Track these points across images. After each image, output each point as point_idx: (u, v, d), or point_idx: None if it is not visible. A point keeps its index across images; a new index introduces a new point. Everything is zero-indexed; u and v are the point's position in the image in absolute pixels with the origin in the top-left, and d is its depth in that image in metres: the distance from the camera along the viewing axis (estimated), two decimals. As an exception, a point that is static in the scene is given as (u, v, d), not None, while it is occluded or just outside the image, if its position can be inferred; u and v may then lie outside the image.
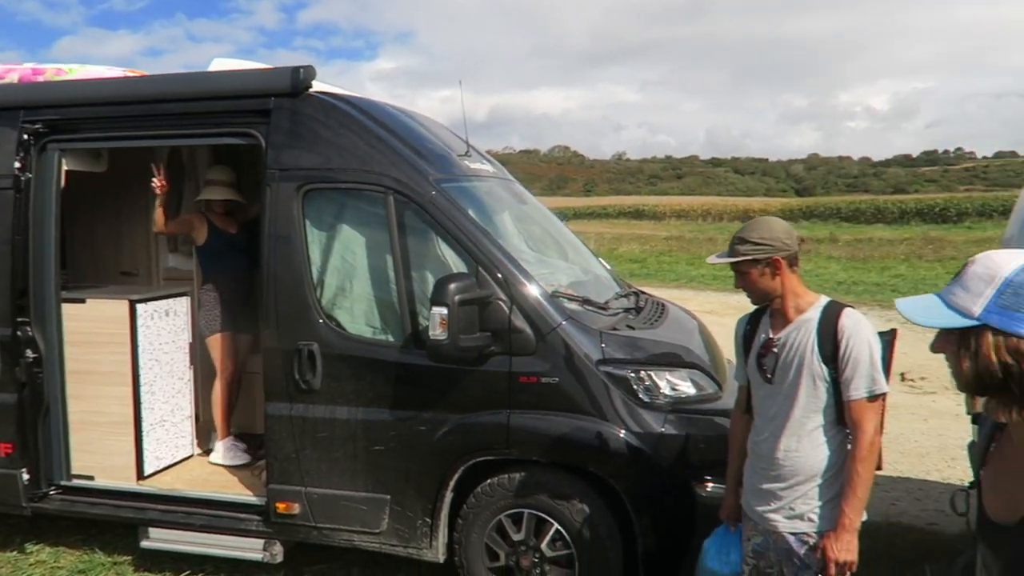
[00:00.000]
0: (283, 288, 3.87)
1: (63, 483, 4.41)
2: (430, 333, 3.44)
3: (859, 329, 2.50)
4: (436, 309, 3.41)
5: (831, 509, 2.56)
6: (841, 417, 2.56)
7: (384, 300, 3.85)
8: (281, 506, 3.97)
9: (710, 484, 3.50)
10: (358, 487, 3.87)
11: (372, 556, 4.29)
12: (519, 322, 3.60)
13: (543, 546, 3.67)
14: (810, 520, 2.60)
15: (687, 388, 3.70)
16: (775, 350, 2.66)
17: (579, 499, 3.61)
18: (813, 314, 2.60)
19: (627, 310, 4.29)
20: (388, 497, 3.84)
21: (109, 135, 4.23)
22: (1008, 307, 1.35)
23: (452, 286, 3.41)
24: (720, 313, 12.87)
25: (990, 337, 1.37)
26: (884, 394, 2.51)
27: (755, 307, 2.83)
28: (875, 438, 2.48)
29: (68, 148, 4.27)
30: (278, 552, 4.10)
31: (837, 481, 2.56)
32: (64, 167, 4.28)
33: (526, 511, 3.69)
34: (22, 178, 4.18)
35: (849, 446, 2.56)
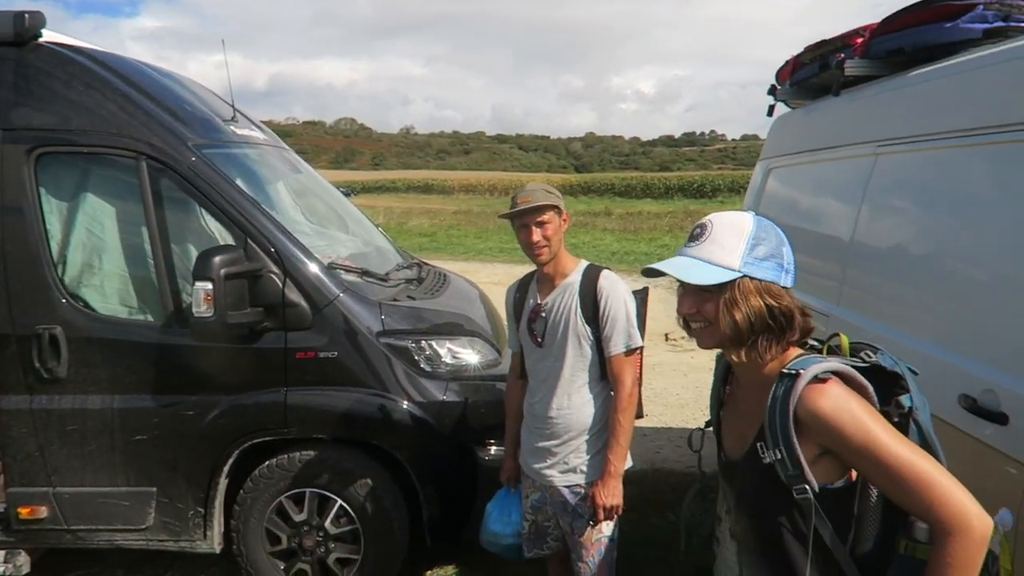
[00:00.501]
0: (15, 266, 3.39)
1: None
2: (194, 310, 3.19)
3: (615, 289, 2.67)
4: (200, 284, 3.17)
5: (599, 460, 2.72)
6: (604, 373, 2.72)
7: (141, 277, 3.50)
8: (24, 511, 3.53)
9: (493, 448, 3.60)
10: (118, 482, 3.53)
11: (140, 554, 3.96)
12: (293, 296, 3.45)
13: (327, 524, 3.58)
14: (581, 472, 2.75)
15: (468, 356, 3.75)
16: (543, 315, 2.76)
17: (362, 473, 3.55)
18: (575, 277, 2.73)
19: (408, 281, 4.27)
20: (154, 490, 3.54)
21: None
22: (757, 257, 1.51)
23: (217, 259, 3.18)
24: (506, 284, 13.26)
25: (750, 284, 1.51)
26: (640, 348, 2.70)
27: (525, 275, 2.92)
28: (633, 389, 2.66)
29: None
30: (23, 563, 3.64)
31: (604, 434, 2.73)
32: None
33: (308, 490, 3.57)
34: None
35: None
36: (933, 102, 2.78)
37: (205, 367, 3.47)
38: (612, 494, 2.65)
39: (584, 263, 2.78)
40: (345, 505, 3.56)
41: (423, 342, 3.62)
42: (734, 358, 1.57)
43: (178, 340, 3.43)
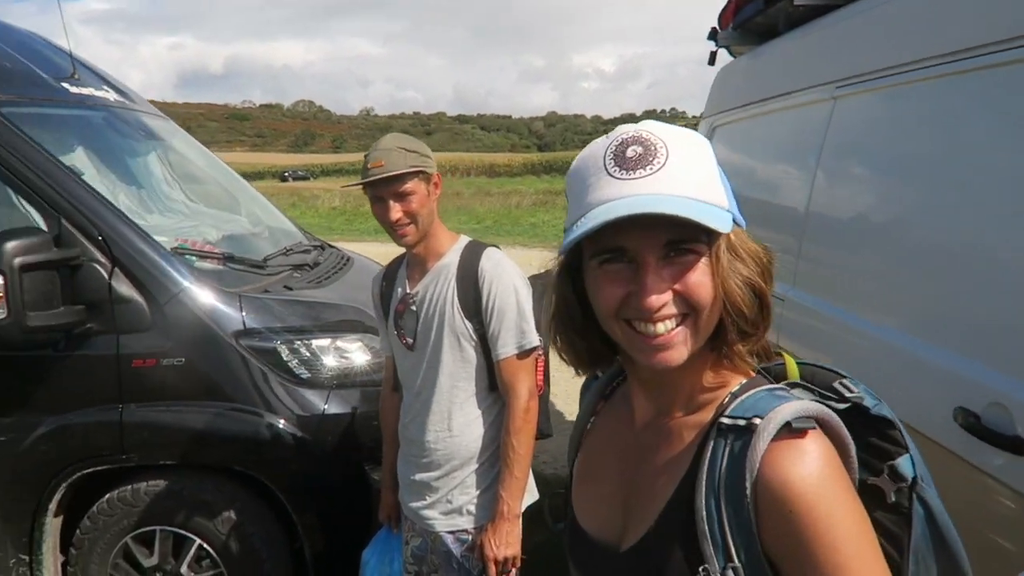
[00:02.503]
0: None
1: None
2: (-19, 311, 2.49)
3: (502, 273, 2.03)
4: (-12, 280, 2.46)
5: (491, 497, 2.10)
6: (495, 382, 2.09)
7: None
8: None
9: (388, 466, 2.96)
10: (-83, 525, 2.83)
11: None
12: (124, 289, 2.75)
13: (183, 569, 2.91)
14: (469, 514, 2.12)
15: (360, 356, 3.10)
16: (413, 307, 2.12)
17: (225, 505, 2.89)
18: (452, 258, 2.08)
19: (298, 267, 3.58)
20: (-38, 534, 2.85)
21: None
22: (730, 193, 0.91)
23: (10, 245, 2.48)
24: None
25: (742, 236, 0.89)
26: (536, 348, 2.07)
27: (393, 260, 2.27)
28: (530, 403, 2.03)
29: None
30: None
31: (497, 463, 2.10)
32: None
33: (159, 529, 2.90)
34: None
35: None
36: (908, 23, 2.17)
37: (18, 381, 2.77)
38: (505, 542, 2.03)
39: (464, 240, 2.14)
40: (205, 545, 2.90)
41: (297, 342, 2.96)
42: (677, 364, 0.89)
43: (-21, 349, 2.72)
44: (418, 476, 2.16)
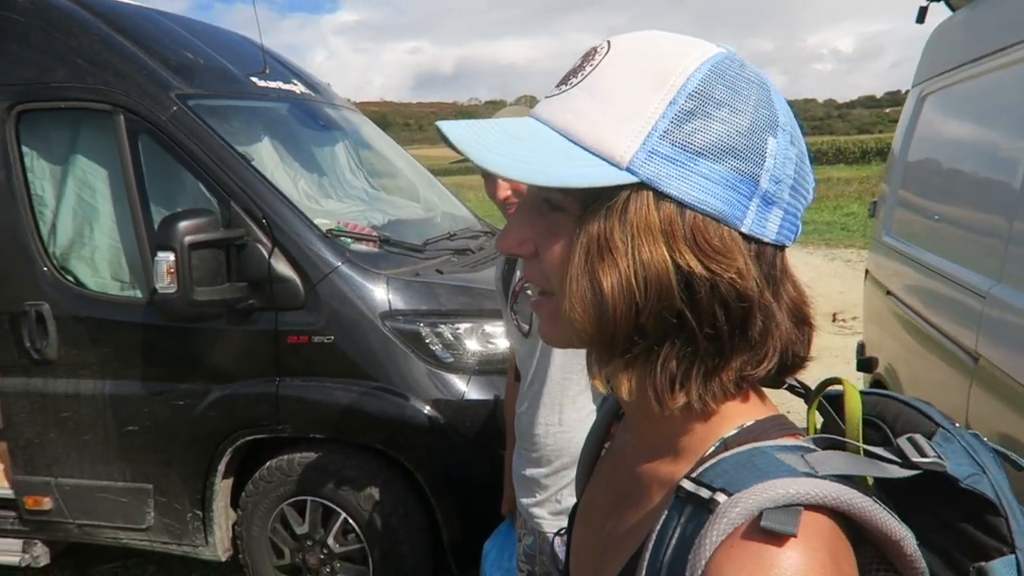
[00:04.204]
0: (0, 235, 3.11)
1: None
2: (156, 285, 2.72)
3: None
4: (161, 255, 2.69)
5: (600, 501, 1.91)
6: (609, 378, 1.90)
7: (126, 248, 3.10)
8: (30, 501, 3.28)
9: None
10: (114, 476, 3.17)
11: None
12: (283, 268, 2.89)
13: (330, 540, 3.02)
14: (577, 516, 1.95)
15: (505, 342, 3.02)
16: (529, 292, 1.98)
17: (367, 483, 2.95)
18: None
19: (459, 252, 3.58)
20: (150, 487, 3.15)
21: None
22: (685, 143, 0.58)
23: (181, 225, 2.68)
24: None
25: (650, 206, 0.58)
26: None
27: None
28: None
29: None
30: (41, 553, 3.41)
31: None
32: None
33: (309, 499, 3.03)
34: None
35: None
36: None
37: (192, 352, 3.01)
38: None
39: None
40: (350, 519, 2.98)
41: (441, 325, 2.94)
42: (620, 389, 0.64)
43: (164, 321, 2.98)
44: (528, 471, 2.03)
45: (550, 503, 1.99)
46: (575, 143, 0.59)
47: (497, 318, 3.05)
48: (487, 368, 2.95)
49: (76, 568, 3.75)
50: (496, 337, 3.02)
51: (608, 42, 0.63)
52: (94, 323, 3.08)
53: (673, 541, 0.57)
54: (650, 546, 0.59)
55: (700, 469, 0.60)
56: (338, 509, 2.99)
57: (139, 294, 3.08)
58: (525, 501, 2.05)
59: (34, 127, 3.09)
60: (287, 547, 3.09)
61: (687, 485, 0.59)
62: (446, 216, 4.26)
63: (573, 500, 1.90)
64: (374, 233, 3.24)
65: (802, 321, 0.64)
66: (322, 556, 3.03)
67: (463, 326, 2.98)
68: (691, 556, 0.54)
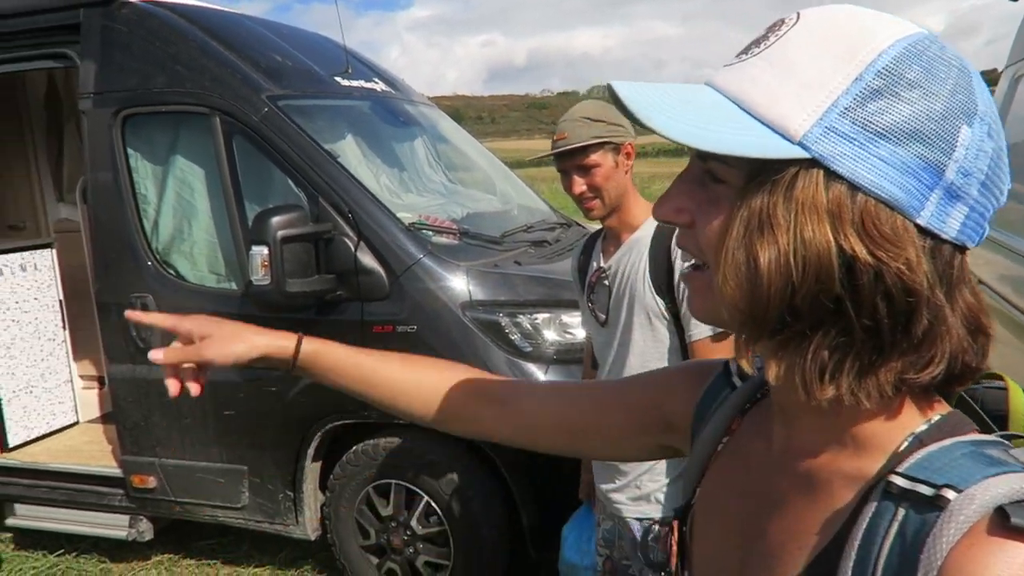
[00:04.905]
0: (108, 233, 3.33)
1: (-62, 454, 4.02)
2: (251, 277, 2.88)
3: None
4: (255, 249, 2.84)
5: (679, 487, 1.94)
6: (689, 366, 1.93)
7: (222, 243, 3.28)
8: (137, 479, 3.51)
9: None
10: (212, 457, 3.37)
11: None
12: (368, 260, 3.01)
13: (413, 522, 3.14)
14: (657, 502, 2.00)
15: (583, 331, 3.07)
16: (606, 282, 2.02)
17: (449, 467, 3.05)
18: (646, 231, 1.94)
19: (536, 243, 3.65)
20: (245, 468, 3.34)
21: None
22: (867, 124, 0.55)
23: (274, 220, 2.83)
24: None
25: (819, 184, 0.55)
26: None
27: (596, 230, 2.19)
28: None
29: None
30: (146, 529, 3.66)
31: None
32: None
33: (394, 483, 3.15)
34: None
35: None
36: None
37: (284, 340, 3.16)
38: (691, 540, 1.87)
39: None
40: (432, 503, 3.09)
41: (519, 316, 3.01)
42: (768, 371, 0.62)
43: (255, 310, 3.15)
44: (607, 458, 2.08)
45: (629, 489, 2.03)
46: (747, 111, 0.57)
47: (574, 308, 3.10)
48: (565, 357, 3.01)
49: (176, 544, 3.99)
50: (573, 327, 3.07)
51: (798, 13, 0.60)
52: (193, 312, 3.26)
53: (888, 540, 0.55)
54: (856, 544, 0.57)
55: (907, 464, 0.57)
56: (421, 492, 3.11)
57: (234, 286, 3.25)
58: (604, 487, 2.10)
59: (138, 130, 3.30)
60: (373, 528, 3.23)
61: (900, 481, 0.56)
62: (522, 208, 4.33)
63: (653, 486, 1.96)
64: (454, 226, 3.33)
65: (978, 330, 0.59)
66: (405, 537, 3.16)
67: (541, 316, 3.05)
68: (923, 555, 0.52)
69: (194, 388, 1.01)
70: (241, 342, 1.01)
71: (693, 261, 0.65)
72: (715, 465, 0.79)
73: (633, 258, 1.94)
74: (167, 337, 1.05)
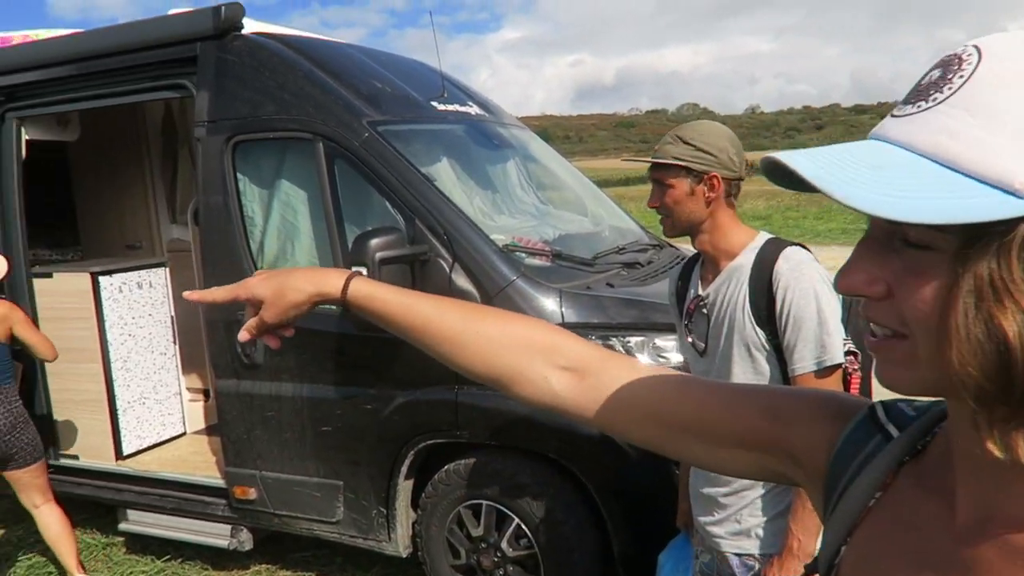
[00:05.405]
0: (217, 252, 3.50)
1: (51, 463, 4.30)
2: (350, 298, 2.96)
3: (801, 275, 1.78)
4: (355, 269, 2.92)
5: (782, 525, 1.87)
6: (792, 397, 1.86)
7: (323, 263, 3.39)
8: (239, 491, 3.65)
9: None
10: (309, 472, 3.47)
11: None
12: (462, 282, 3.05)
13: (503, 544, 3.14)
14: (756, 537, 1.93)
15: (677, 355, 3.01)
16: (704, 310, 1.98)
17: (540, 490, 3.04)
18: (746, 258, 1.89)
19: (628, 265, 3.62)
20: (341, 483, 3.42)
21: (57, 99, 3.98)
22: None
23: (373, 242, 2.91)
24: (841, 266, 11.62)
25: None
26: (839, 365, 1.78)
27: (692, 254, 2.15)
28: None
29: (25, 116, 4.08)
30: (246, 539, 3.79)
31: (792, 489, 1.87)
32: (25, 136, 4.09)
33: (484, 503, 3.17)
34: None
35: None
36: None
37: (379, 359, 3.24)
38: (789, 579, 1.79)
39: (763, 237, 1.92)
40: (522, 524, 3.08)
41: (612, 338, 2.98)
42: (1017, 451, 0.51)
43: (353, 329, 3.24)
44: (706, 490, 2.02)
45: (729, 523, 1.97)
46: (952, 168, 0.51)
47: (668, 332, 3.05)
48: (658, 382, 2.96)
49: (274, 555, 4.12)
50: (667, 351, 3.02)
51: (976, 47, 0.54)
52: (295, 331, 3.38)
53: None
54: None
55: None
56: (511, 514, 3.10)
57: (334, 306, 3.35)
58: (703, 519, 2.05)
59: (247, 156, 3.46)
60: (463, 548, 3.24)
61: None
62: (613, 230, 4.30)
63: (754, 521, 1.90)
64: (547, 248, 3.34)
65: None
66: (495, 559, 3.16)
67: (634, 339, 3.01)
68: None
69: (272, 342, 1.07)
70: (293, 294, 1.01)
71: (877, 328, 0.59)
72: (867, 521, 0.71)
73: (732, 287, 1.89)
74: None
